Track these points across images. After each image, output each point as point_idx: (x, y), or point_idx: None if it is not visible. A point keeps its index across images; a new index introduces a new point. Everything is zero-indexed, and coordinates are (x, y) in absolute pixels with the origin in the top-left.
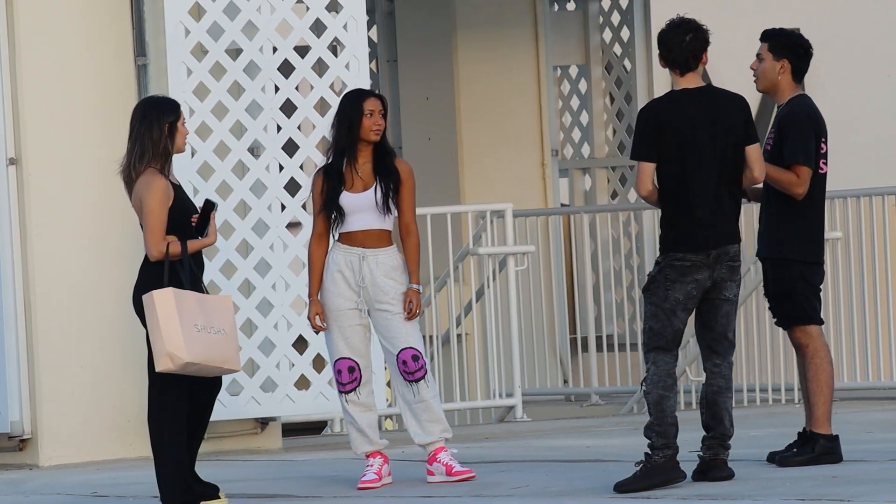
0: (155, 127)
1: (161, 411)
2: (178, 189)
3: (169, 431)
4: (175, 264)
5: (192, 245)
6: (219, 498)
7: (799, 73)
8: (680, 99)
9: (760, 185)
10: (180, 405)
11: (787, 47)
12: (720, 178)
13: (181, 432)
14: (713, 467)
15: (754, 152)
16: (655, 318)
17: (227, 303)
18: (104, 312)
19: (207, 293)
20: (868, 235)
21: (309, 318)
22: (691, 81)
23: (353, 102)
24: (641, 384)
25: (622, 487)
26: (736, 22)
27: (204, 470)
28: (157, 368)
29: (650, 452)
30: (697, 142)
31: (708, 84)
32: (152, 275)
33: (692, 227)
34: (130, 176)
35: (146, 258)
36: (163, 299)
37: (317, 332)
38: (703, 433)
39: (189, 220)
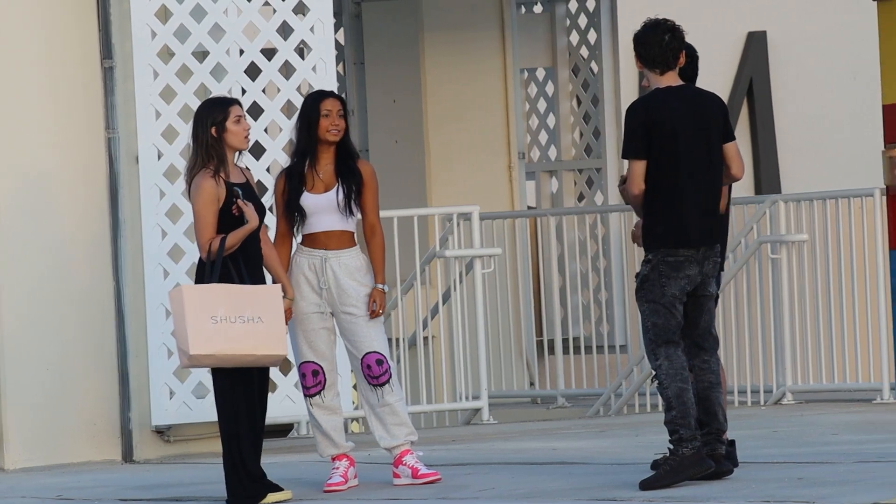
0: (200, 129)
1: (227, 407)
2: (235, 189)
3: (235, 430)
4: (226, 260)
5: (233, 237)
6: (282, 490)
7: (689, 78)
8: (667, 96)
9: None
10: (244, 405)
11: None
12: (707, 174)
13: (241, 428)
14: (713, 462)
15: (732, 150)
16: (657, 314)
17: (272, 291)
18: (70, 314)
19: (264, 282)
20: (833, 238)
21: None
22: (671, 80)
23: (311, 103)
24: (652, 381)
25: (649, 485)
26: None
27: (170, 473)
28: (180, 365)
29: (676, 447)
30: (687, 138)
31: (686, 83)
32: (199, 273)
33: (684, 223)
34: (188, 180)
35: (200, 258)
36: (174, 298)
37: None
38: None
39: (243, 219)
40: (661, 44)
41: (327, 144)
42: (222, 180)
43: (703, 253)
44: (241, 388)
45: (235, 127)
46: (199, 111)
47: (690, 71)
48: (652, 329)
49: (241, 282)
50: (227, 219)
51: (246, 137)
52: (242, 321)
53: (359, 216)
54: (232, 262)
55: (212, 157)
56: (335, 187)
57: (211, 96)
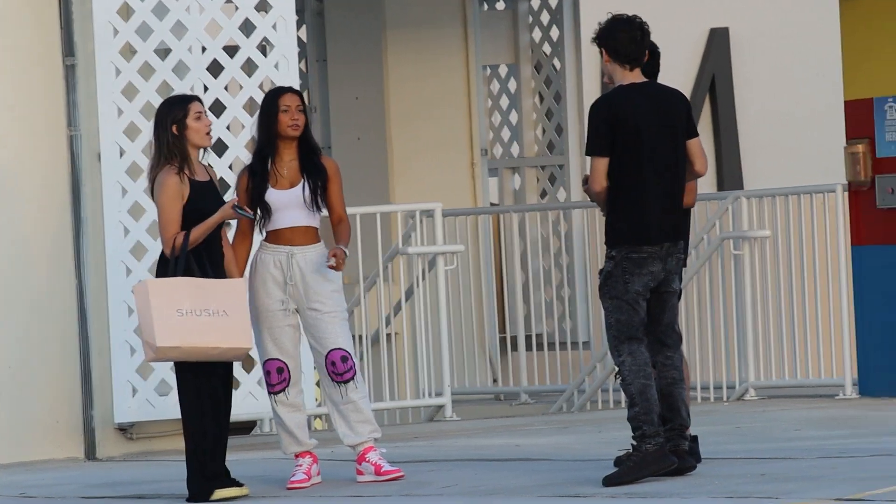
0: (160, 128)
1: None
2: (200, 186)
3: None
4: (190, 256)
5: (196, 231)
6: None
7: (651, 74)
8: (630, 93)
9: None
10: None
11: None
12: (672, 170)
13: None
14: (676, 458)
15: (696, 146)
16: (620, 310)
17: (235, 286)
18: (32, 313)
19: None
20: (796, 234)
21: None
22: (636, 77)
23: (270, 100)
24: (616, 377)
25: (613, 481)
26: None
27: (132, 471)
28: (145, 359)
29: (639, 443)
30: (651, 135)
31: (649, 80)
32: (162, 269)
33: (647, 219)
34: (151, 178)
35: (162, 253)
36: (139, 292)
37: None
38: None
39: (206, 217)
40: (635, 39)
41: (288, 140)
42: (186, 177)
43: (666, 249)
44: (204, 383)
45: (196, 124)
46: (159, 110)
47: (652, 67)
48: (615, 325)
49: (205, 276)
50: (190, 216)
51: (208, 134)
52: (208, 314)
53: (324, 212)
54: (195, 258)
55: (174, 154)
56: (301, 183)
57: (171, 94)
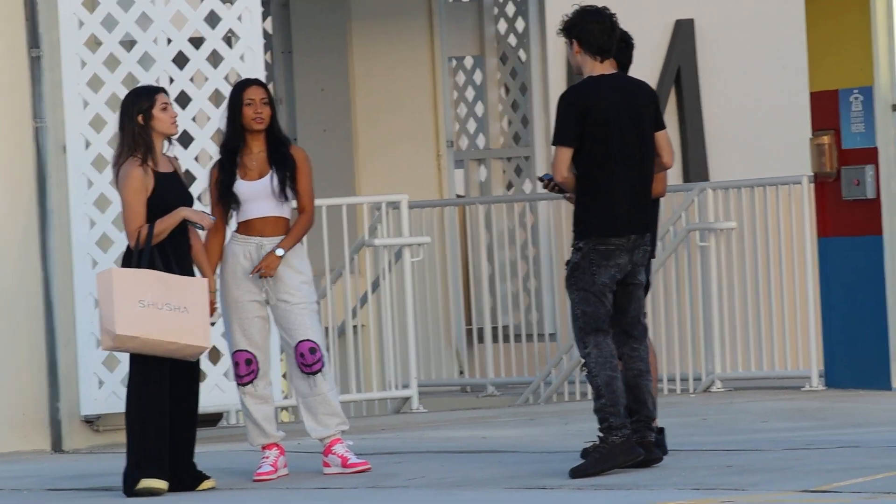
0: (126, 118)
1: (138, 403)
2: (164, 177)
3: (140, 415)
4: (154, 250)
5: (161, 224)
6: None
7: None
8: (600, 85)
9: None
10: (158, 397)
11: None
12: (640, 162)
13: (153, 417)
14: (643, 450)
15: (663, 138)
16: (587, 302)
17: (198, 283)
18: None
19: (193, 275)
20: (762, 225)
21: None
22: (607, 68)
23: (235, 93)
24: (582, 369)
25: (579, 473)
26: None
27: (99, 463)
28: (101, 347)
29: (606, 435)
30: (620, 126)
31: (618, 71)
32: (127, 262)
33: (615, 211)
34: (116, 169)
35: (128, 246)
36: (101, 280)
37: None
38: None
39: (172, 208)
40: (606, 31)
41: (255, 132)
42: (150, 169)
43: (633, 241)
44: (156, 376)
45: (162, 114)
46: (125, 100)
47: (626, 58)
48: (581, 317)
49: (170, 271)
50: (155, 208)
51: (174, 123)
52: (169, 308)
53: (294, 203)
54: (160, 252)
55: (139, 145)
56: (269, 174)
57: (137, 86)
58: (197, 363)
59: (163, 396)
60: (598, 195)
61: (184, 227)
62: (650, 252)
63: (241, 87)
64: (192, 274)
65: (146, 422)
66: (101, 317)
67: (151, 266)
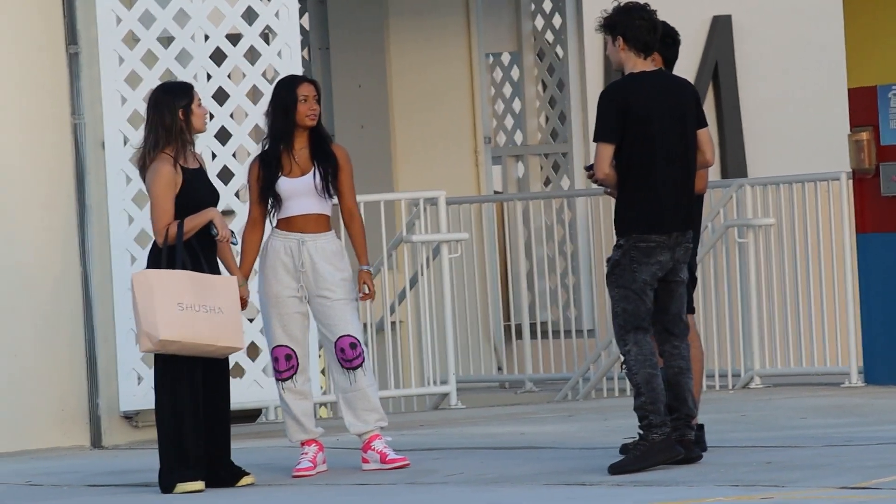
0: (166, 113)
1: (168, 403)
2: (192, 174)
3: (173, 414)
4: (184, 247)
5: (190, 222)
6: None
7: (669, 62)
8: (641, 81)
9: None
10: (188, 396)
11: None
12: (682, 159)
13: (185, 416)
14: (682, 448)
15: (705, 136)
16: (627, 299)
17: (230, 283)
18: (38, 301)
19: (219, 272)
20: (800, 221)
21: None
22: (648, 65)
23: (287, 89)
24: (622, 366)
25: (618, 469)
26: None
27: (138, 459)
28: (140, 349)
29: (646, 432)
30: (662, 123)
31: (660, 68)
32: (154, 258)
33: (657, 208)
34: (144, 163)
35: (154, 242)
36: (139, 281)
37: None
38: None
39: (200, 205)
40: (652, 28)
41: (302, 129)
42: (180, 166)
43: (674, 239)
44: (185, 375)
45: (199, 110)
46: (159, 96)
47: (672, 54)
48: (622, 314)
49: (200, 269)
50: (184, 205)
51: (205, 121)
52: (206, 310)
53: (335, 200)
54: (188, 250)
55: (176, 140)
56: (312, 171)
57: (165, 82)
58: (227, 363)
59: (194, 394)
60: (639, 192)
61: (209, 225)
62: (694, 249)
63: (295, 83)
64: (219, 272)
65: (178, 422)
66: (140, 319)
67: (182, 265)
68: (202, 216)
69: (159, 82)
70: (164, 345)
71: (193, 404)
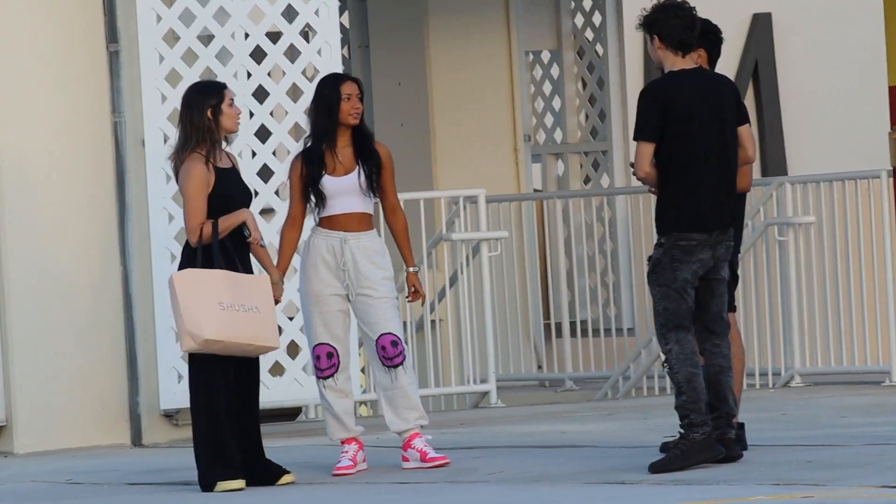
0: (196, 112)
1: (205, 403)
2: (224, 173)
3: (208, 414)
4: (214, 246)
5: (224, 222)
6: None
7: (713, 59)
8: (681, 78)
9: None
10: (220, 389)
11: (701, 35)
12: (722, 157)
13: (220, 415)
14: (723, 446)
15: (746, 132)
16: (668, 298)
17: (264, 282)
18: (79, 300)
19: (252, 271)
20: (841, 220)
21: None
22: (687, 63)
23: (330, 87)
24: (663, 365)
25: (659, 468)
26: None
27: (178, 457)
28: (182, 349)
29: (687, 431)
30: (702, 122)
31: (700, 66)
32: (188, 258)
33: (698, 206)
34: (177, 162)
35: (187, 242)
36: (181, 281)
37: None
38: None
39: (232, 204)
40: (684, 26)
41: (345, 127)
42: (212, 166)
43: (715, 237)
44: (220, 374)
45: (230, 110)
46: (192, 95)
47: (716, 52)
48: (663, 313)
49: (234, 268)
50: (216, 204)
51: (238, 121)
52: (244, 310)
53: (376, 198)
54: (222, 249)
55: (205, 139)
56: (356, 169)
57: (197, 81)
58: (258, 362)
59: (229, 393)
60: (679, 190)
61: (242, 226)
62: (737, 246)
63: (338, 81)
64: (252, 272)
65: (213, 421)
66: (182, 319)
67: (230, 266)
68: (236, 217)
69: (211, 79)
70: (208, 344)
71: (228, 403)
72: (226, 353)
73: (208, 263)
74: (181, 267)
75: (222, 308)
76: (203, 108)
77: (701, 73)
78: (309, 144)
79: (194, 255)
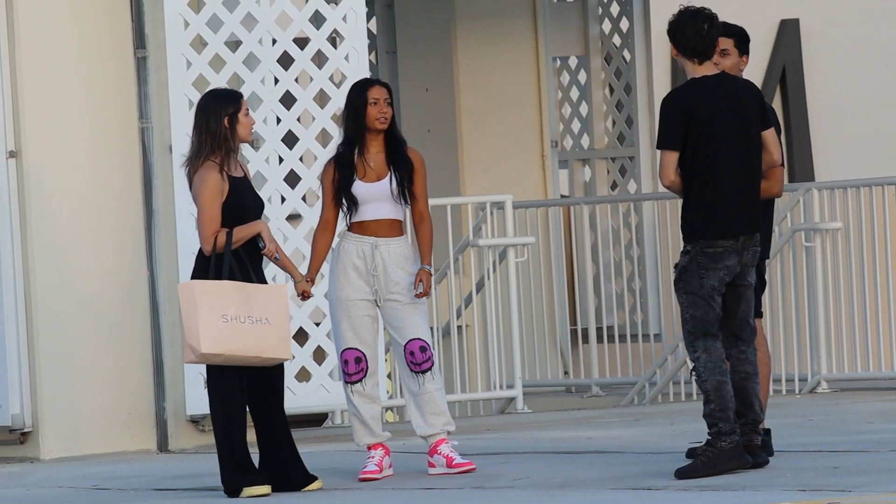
0: (212, 119)
1: (217, 400)
2: (238, 182)
3: (225, 421)
4: (231, 255)
5: (239, 232)
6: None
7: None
8: (703, 86)
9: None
10: (236, 397)
11: (749, 43)
12: (746, 162)
13: (237, 423)
14: (749, 453)
15: (771, 136)
16: (695, 305)
17: (278, 292)
18: (106, 305)
19: (265, 281)
20: (868, 226)
21: (296, 288)
22: (708, 69)
23: (357, 92)
24: (691, 373)
25: (685, 475)
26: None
27: (205, 463)
28: (184, 360)
29: (714, 439)
30: (724, 127)
31: (722, 71)
32: (201, 266)
33: (723, 213)
34: (191, 170)
35: (200, 250)
36: (185, 292)
37: (304, 299)
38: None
39: (245, 213)
40: (701, 33)
41: (375, 133)
42: (226, 174)
43: (742, 243)
44: (237, 382)
45: (246, 119)
46: (209, 101)
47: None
48: (690, 321)
49: (247, 278)
50: (229, 213)
51: (251, 131)
52: (251, 321)
53: (409, 205)
54: (236, 259)
55: (220, 147)
56: (388, 176)
57: (213, 88)
58: (281, 369)
59: (245, 402)
60: (704, 197)
61: (257, 238)
62: (762, 252)
63: (365, 86)
64: (265, 281)
65: (231, 428)
66: (184, 331)
67: (230, 275)
68: (251, 228)
69: (227, 87)
70: (207, 358)
71: (244, 410)
72: (231, 364)
73: (220, 273)
74: (193, 275)
75: (225, 321)
76: (220, 116)
77: (723, 78)
78: (341, 150)
79: (207, 264)
